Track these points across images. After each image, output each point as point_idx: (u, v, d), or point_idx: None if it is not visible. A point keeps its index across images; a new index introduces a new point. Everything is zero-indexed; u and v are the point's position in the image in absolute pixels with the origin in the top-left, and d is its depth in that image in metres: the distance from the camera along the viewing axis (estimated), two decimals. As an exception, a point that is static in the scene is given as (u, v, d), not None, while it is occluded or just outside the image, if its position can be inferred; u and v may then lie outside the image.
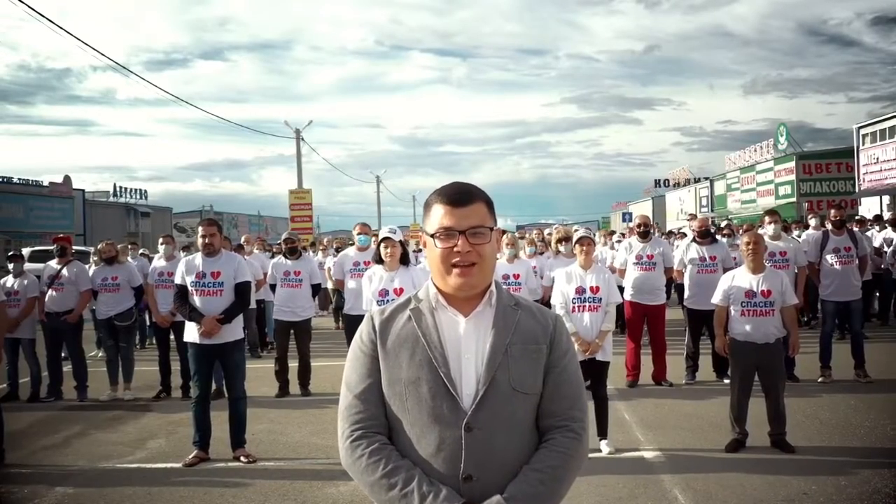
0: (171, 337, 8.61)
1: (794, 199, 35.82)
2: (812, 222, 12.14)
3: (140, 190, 57.23)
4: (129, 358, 8.81)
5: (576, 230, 8.18)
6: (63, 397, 8.70)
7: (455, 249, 1.82)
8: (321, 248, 18.26)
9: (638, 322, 8.42)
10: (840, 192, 35.08)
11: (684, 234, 15.47)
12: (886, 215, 15.02)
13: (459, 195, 1.86)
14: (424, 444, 1.80)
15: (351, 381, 1.90)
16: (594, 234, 13.67)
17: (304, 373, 8.60)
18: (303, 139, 31.99)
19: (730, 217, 37.86)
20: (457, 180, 1.93)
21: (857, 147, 31.64)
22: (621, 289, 7.97)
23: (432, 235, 1.85)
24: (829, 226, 8.59)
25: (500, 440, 1.80)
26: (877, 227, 13.34)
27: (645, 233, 8.59)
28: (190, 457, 5.99)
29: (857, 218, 14.11)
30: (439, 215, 1.85)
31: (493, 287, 1.91)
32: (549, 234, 12.11)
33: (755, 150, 43.09)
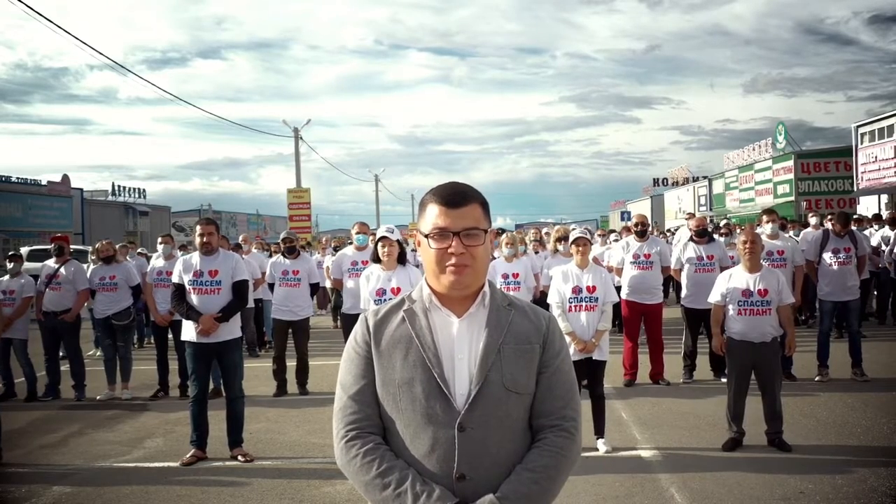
0: (169, 336, 8.61)
1: (792, 198, 35.83)
2: (812, 221, 12.15)
3: (138, 189, 57.17)
4: (126, 357, 8.81)
5: (573, 229, 8.18)
6: (61, 396, 8.71)
7: (449, 251, 1.82)
8: (320, 247, 18.27)
9: (635, 321, 8.43)
10: (838, 190, 35.11)
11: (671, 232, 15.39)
12: (885, 214, 15.03)
13: (454, 196, 1.86)
14: (418, 444, 1.81)
15: (345, 382, 1.91)
16: (593, 234, 13.71)
17: (303, 372, 8.61)
18: (301, 138, 32.01)
19: (728, 216, 37.90)
20: (453, 180, 1.93)
21: (856, 146, 31.63)
22: (618, 288, 7.99)
23: (426, 235, 1.85)
24: (829, 226, 8.59)
25: (493, 440, 1.81)
26: (875, 227, 13.36)
27: (642, 232, 8.60)
28: (187, 456, 5.99)
29: (854, 217, 14.12)
30: (434, 215, 1.85)
31: (486, 287, 1.91)
32: (547, 232, 12.12)
33: (754, 149, 43.09)
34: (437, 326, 1.87)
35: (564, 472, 1.85)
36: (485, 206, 1.90)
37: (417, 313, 1.89)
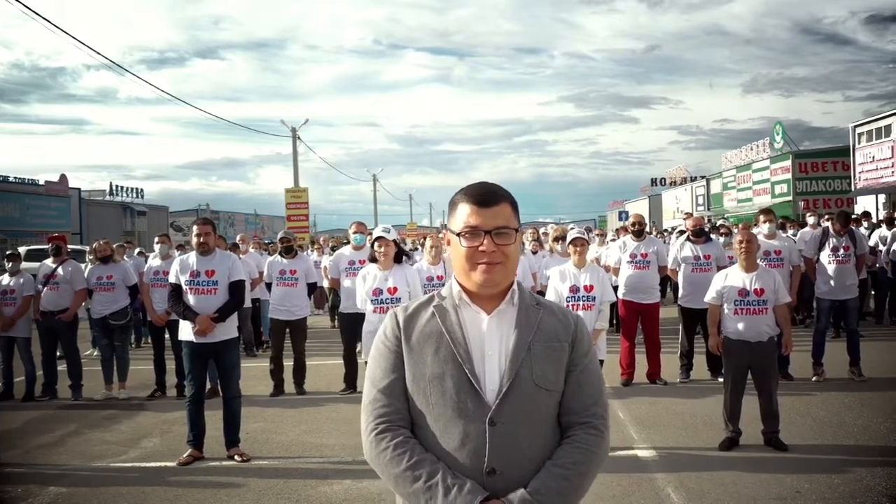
0: (166, 336, 8.61)
1: (790, 198, 35.85)
2: (810, 220, 12.18)
3: (136, 189, 57.14)
4: (123, 357, 8.79)
5: (571, 228, 8.19)
6: (58, 396, 8.70)
7: (480, 249, 1.84)
8: (317, 247, 18.27)
9: (632, 320, 8.43)
10: (836, 190, 35.12)
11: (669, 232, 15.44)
12: (882, 213, 15.06)
13: (486, 195, 1.88)
14: (448, 439, 1.83)
15: (375, 376, 1.92)
16: (592, 233, 13.72)
17: (300, 372, 8.59)
18: (299, 138, 32.02)
19: (726, 216, 37.93)
20: (482, 180, 1.95)
21: (853, 145, 31.66)
22: (615, 287, 7.99)
23: (458, 234, 1.87)
24: (829, 225, 8.60)
25: (523, 435, 1.83)
26: (865, 224, 13.39)
27: (639, 231, 8.60)
28: (184, 456, 5.99)
29: (854, 216, 14.15)
30: (465, 214, 1.87)
31: (514, 286, 1.93)
32: (545, 232, 12.13)
33: (752, 149, 43.11)
34: (468, 322, 1.89)
35: (594, 469, 1.88)
36: (514, 205, 1.93)
37: (448, 309, 1.91)
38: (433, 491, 1.76)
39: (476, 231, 1.84)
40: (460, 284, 1.92)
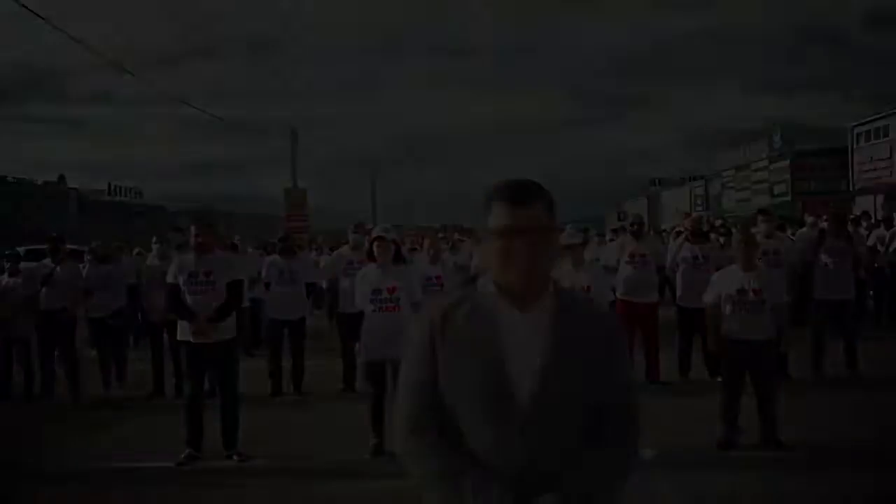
0: (165, 336, 8.59)
1: (788, 198, 35.90)
2: (809, 220, 12.19)
3: (135, 189, 57.07)
4: (121, 357, 8.79)
5: (569, 227, 8.18)
6: (56, 396, 8.68)
7: (513, 248, 1.81)
8: (314, 247, 18.29)
9: (630, 320, 8.41)
10: (835, 190, 35.15)
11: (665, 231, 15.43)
12: (881, 214, 15.08)
13: (520, 193, 1.83)
14: (479, 441, 1.81)
15: (408, 374, 1.91)
16: (591, 233, 13.72)
17: (298, 372, 8.59)
18: (298, 138, 32.00)
19: (725, 216, 37.96)
20: (518, 177, 1.90)
21: (852, 146, 31.71)
22: (614, 288, 7.98)
23: (491, 233, 1.85)
24: (826, 225, 8.60)
25: (554, 437, 1.81)
26: (864, 225, 13.41)
27: (638, 231, 8.60)
28: (182, 456, 5.96)
29: (851, 217, 14.16)
30: (498, 213, 1.83)
31: (551, 285, 1.91)
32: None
33: (750, 149, 43.15)
34: (501, 323, 1.85)
35: (626, 471, 1.88)
36: (550, 202, 1.88)
37: (481, 308, 1.87)
38: (463, 492, 1.75)
39: (509, 230, 1.81)
40: (495, 283, 1.89)
